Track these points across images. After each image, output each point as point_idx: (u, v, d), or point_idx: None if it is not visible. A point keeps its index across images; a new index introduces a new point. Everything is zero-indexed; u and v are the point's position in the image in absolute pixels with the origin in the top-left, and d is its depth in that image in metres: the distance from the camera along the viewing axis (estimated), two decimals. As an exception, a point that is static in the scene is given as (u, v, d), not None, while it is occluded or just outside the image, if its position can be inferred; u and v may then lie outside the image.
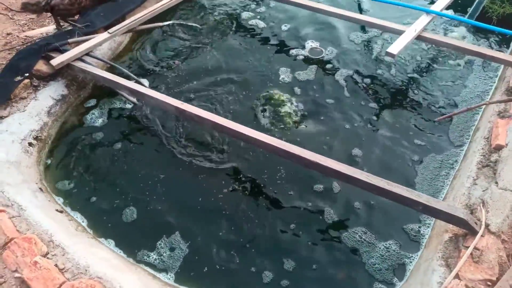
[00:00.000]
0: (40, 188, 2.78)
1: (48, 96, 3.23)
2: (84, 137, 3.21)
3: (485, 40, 4.06)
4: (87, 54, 3.38)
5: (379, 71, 3.73)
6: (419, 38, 3.45)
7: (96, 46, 3.44)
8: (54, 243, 2.30)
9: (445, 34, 4.11)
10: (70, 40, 3.38)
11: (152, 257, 2.51)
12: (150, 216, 2.72)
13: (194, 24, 4.22)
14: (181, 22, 4.21)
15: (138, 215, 2.72)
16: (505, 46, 4.02)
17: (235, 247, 2.55)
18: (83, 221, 2.69)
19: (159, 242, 2.57)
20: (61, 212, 2.69)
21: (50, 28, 4.59)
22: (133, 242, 2.59)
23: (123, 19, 3.80)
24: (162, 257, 2.51)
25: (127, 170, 2.98)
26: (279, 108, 3.37)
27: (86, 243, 2.47)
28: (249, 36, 4.16)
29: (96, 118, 3.34)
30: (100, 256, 2.34)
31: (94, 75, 3.24)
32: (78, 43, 3.41)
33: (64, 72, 3.37)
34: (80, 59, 3.32)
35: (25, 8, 3.48)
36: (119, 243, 2.59)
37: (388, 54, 3.26)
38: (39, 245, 2.22)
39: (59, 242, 2.31)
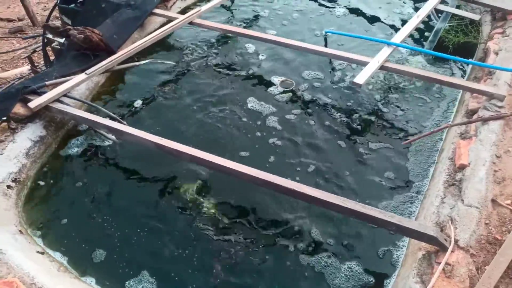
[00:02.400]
0: (20, 231, 2.76)
1: (26, 138, 3.26)
2: (64, 177, 3.23)
3: (444, 67, 4.35)
4: (65, 95, 3.44)
5: (345, 100, 3.93)
6: (382, 68, 3.69)
7: (74, 87, 3.51)
8: (36, 286, 2.29)
9: (406, 63, 4.39)
10: (47, 83, 3.45)
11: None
12: (128, 255, 2.73)
13: (169, 62, 4.36)
14: (157, 61, 4.34)
15: (115, 254, 2.73)
16: (463, 71, 4.32)
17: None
18: (64, 261, 2.68)
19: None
20: (42, 253, 2.67)
21: (24, 69, 4.68)
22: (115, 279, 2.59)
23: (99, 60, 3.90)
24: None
25: (108, 208, 3.01)
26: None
27: (69, 283, 2.45)
28: (221, 70, 4.33)
29: (75, 157, 3.37)
30: (83, 296, 2.34)
31: (72, 116, 3.29)
32: (56, 84, 3.47)
33: (42, 113, 3.41)
34: (58, 100, 3.37)
35: (45, 28, 4.03)
36: (100, 281, 2.58)
37: (354, 84, 3.46)
38: (21, 288, 2.21)
39: (41, 284, 2.30)
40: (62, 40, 4.05)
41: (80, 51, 3.87)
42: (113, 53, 3.91)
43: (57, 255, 2.72)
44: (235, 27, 4.52)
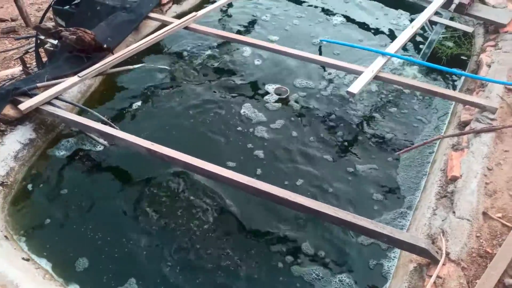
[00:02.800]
0: (6, 236, 2.71)
1: (15, 140, 3.21)
2: (52, 181, 3.17)
3: (437, 78, 4.38)
4: (56, 98, 3.40)
5: (340, 110, 3.93)
6: (376, 78, 3.70)
7: (66, 89, 3.47)
8: (20, 293, 2.24)
9: (400, 74, 4.41)
10: (39, 85, 3.40)
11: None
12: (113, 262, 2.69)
13: (163, 67, 4.34)
14: (151, 65, 4.32)
15: (102, 261, 2.68)
16: (456, 82, 4.34)
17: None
18: (50, 269, 2.62)
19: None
20: (27, 260, 2.61)
21: (16, 70, 4.61)
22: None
23: (92, 63, 3.87)
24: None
25: (96, 215, 2.96)
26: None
27: (55, 291, 2.41)
28: (216, 76, 4.31)
29: (65, 161, 3.32)
30: (69, 304, 2.29)
31: (63, 119, 3.25)
32: (47, 87, 3.43)
33: (32, 115, 3.36)
34: (49, 102, 3.33)
35: (37, 29, 3.94)
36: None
37: (348, 93, 3.47)
38: (4, 295, 2.16)
39: (26, 292, 2.25)
40: (55, 42, 4.01)
41: (73, 53, 3.83)
42: (108, 50, 3.88)
43: (43, 262, 2.66)
44: (230, 33, 4.51)
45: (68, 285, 2.54)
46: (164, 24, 4.53)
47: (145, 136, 3.09)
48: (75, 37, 3.69)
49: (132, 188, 3.15)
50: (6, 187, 2.99)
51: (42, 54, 4.24)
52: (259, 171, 3.28)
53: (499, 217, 2.48)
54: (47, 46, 4.07)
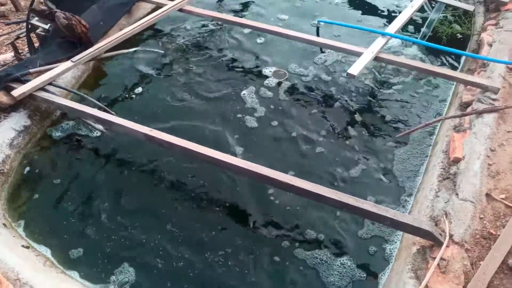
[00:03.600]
0: (4, 224, 2.67)
1: (10, 127, 3.14)
2: (49, 168, 3.12)
3: (438, 58, 4.32)
4: (50, 84, 3.32)
5: (339, 91, 3.87)
6: (376, 59, 3.64)
7: (59, 75, 3.39)
8: (21, 281, 2.22)
9: (400, 55, 4.34)
10: (31, 70, 3.31)
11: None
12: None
13: (158, 50, 4.25)
14: (145, 49, 4.22)
15: (100, 247, 2.66)
16: (457, 62, 4.29)
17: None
18: (51, 256, 2.60)
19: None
20: (27, 247, 2.58)
21: (7, 56, 4.49)
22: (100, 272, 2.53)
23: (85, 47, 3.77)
24: None
25: (95, 200, 2.92)
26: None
27: (56, 278, 2.38)
28: (212, 60, 4.22)
29: (62, 147, 3.26)
30: (71, 292, 2.27)
31: (58, 105, 3.18)
32: (40, 72, 3.34)
33: (26, 102, 3.29)
34: (43, 88, 3.25)
35: (31, 11, 3.79)
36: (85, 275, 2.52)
37: (348, 75, 3.41)
38: (4, 284, 2.13)
39: (26, 280, 2.23)
40: (46, 26, 3.90)
41: (66, 38, 3.72)
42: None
43: (43, 249, 2.63)
44: (225, 14, 4.42)
45: (68, 271, 2.51)
46: (158, 6, 4.42)
47: (142, 121, 3.02)
48: (66, 22, 3.57)
49: (130, 174, 3.10)
50: (2, 175, 2.94)
51: (34, 40, 4.13)
52: (258, 155, 3.24)
53: (503, 198, 2.47)
54: (38, 31, 3.96)
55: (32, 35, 4.11)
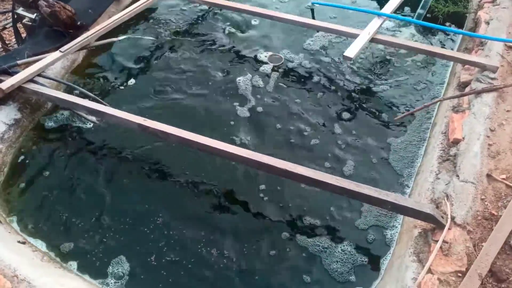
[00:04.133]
0: (-1, 220, 2.62)
1: (0, 121, 3.06)
2: (42, 161, 3.06)
3: (434, 37, 4.25)
4: (39, 75, 3.23)
5: (336, 75, 3.81)
6: (373, 40, 3.57)
7: (48, 66, 3.29)
8: (18, 278, 2.17)
9: (397, 35, 4.27)
10: (19, 62, 3.22)
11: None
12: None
13: (149, 37, 4.15)
14: (136, 36, 4.12)
15: (98, 241, 2.63)
16: (453, 41, 4.22)
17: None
18: (48, 250, 2.56)
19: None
20: (23, 243, 2.54)
21: (-6, 47, 4.38)
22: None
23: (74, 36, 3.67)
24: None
25: (91, 193, 2.87)
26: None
27: (54, 274, 2.35)
28: (205, 46, 4.13)
29: (55, 140, 3.20)
30: (70, 287, 2.23)
31: (48, 97, 3.10)
32: (28, 64, 3.25)
33: (16, 95, 3.20)
34: (32, 80, 3.16)
35: (16, 1, 3.78)
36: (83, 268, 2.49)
37: (345, 57, 3.35)
38: (1, 281, 2.09)
39: (24, 276, 2.19)
40: (33, 16, 3.78)
41: (54, 27, 3.61)
42: (84, 28, 3.68)
43: (40, 244, 2.59)
44: (218, -2, 4.30)
45: (67, 265, 2.48)
46: (147, -9, 4.29)
47: (135, 111, 2.96)
48: (49, 10, 3.46)
49: (124, 165, 3.05)
50: (-6, 171, 2.88)
51: (21, 30, 4.02)
52: (259, 141, 3.20)
53: (503, 179, 2.45)
54: (25, 21, 3.85)
55: (19, 25, 4.00)
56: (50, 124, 3.30)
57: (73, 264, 2.50)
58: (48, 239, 2.63)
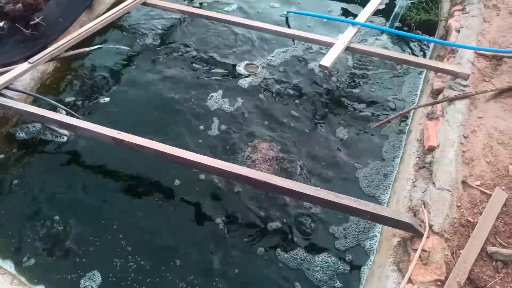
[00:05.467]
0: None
1: (-35, 137, 2.93)
2: (9, 177, 2.94)
3: (406, 46, 4.33)
4: (7, 88, 3.09)
5: (311, 84, 3.82)
6: (348, 49, 3.60)
7: (16, 78, 3.16)
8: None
9: (371, 44, 4.33)
10: (-15, 74, 3.09)
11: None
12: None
13: (123, 47, 4.06)
14: (110, 46, 4.03)
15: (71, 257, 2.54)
16: (426, 49, 4.31)
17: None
18: (17, 273, 2.44)
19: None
20: (-10, 266, 2.42)
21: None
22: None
23: (44, 47, 3.56)
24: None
25: (66, 210, 2.77)
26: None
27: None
28: (179, 56, 4.08)
29: (24, 156, 3.07)
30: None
31: (16, 110, 2.97)
32: (-5, 76, 3.12)
33: (-19, 108, 3.06)
34: (-1, 93, 3.04)
35: None
36: None
37: (321, 66, 3.35)
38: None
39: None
40: (1, 24, 3.65)
41: (22, 32, 3.48)
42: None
43: (8, 266, 2.47)
44: (192, 8, 4.26)
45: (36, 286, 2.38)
46: (120, 0, 4.21)
47: (110, 125, 2.87)
48: (21, 5, 3.34)
49: (99, 179, 2.96)
50: (-41, 190, 2.74)
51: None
52: (237, 150, 3.17)
53: (478, 185, 2.49)
54: (-9, 29, 3.71)
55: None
56: (21, 135, 3.18)
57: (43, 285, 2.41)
58: (17, 259, 2.51)
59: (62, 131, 3.17)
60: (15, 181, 2.92)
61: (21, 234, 2.64)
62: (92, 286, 2.40)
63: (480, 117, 2.94)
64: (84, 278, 2.43)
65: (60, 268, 2.49)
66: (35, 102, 3.36)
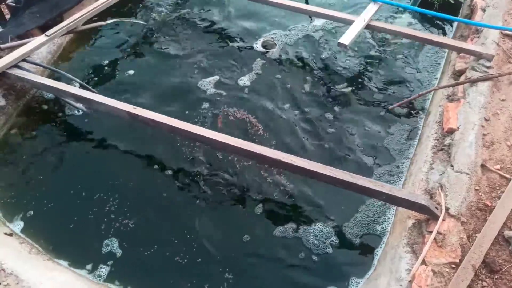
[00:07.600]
0: (-16, 211, 2.55)
1: (-17, 109, 2.96)
2: (29, 150, 2.97)
3: (429, 25, 4.20)
4: (24, 60, 3.11)
5: (331, 62, 3.75)
6: (368, 27, 3.50)
7: (33, 50, 3.17)
8: (5, 272, 2.12)
9: (392, 22, 4.20)
10: (2, 46, 3.10)
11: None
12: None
13: (139, 21, 4.02)
14: (125, 20, 3.99)
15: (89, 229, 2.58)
16: (449, 29, 4.18)
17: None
18: (36, 243, 2.50)
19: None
20: (10, 235, 2.48)
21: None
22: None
23: (61, 18, 3.55)
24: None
25: (81, 183, 2.80)
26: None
27: (43, 267, 2.29)
28: (196, 30, 4.03)
29: (42, 128, 3.10)
30: (60, 280, 2.19)
31: (33, 83, 2.99)
32: (12, 48, 3.13)
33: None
34: (16, 65, 3.04)
35: None
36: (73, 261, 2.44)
37: (340, 45, 3.28)
38: (-13, 275, 2.04)
39: (11, 270, 2.14)
40: (18, -4, 3.63)
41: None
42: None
43: (27, 236, 2.53)
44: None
45: (56, 258, 2.43)
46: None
47: (125, 99, 2.88)
48: None
49: (115, 155, 2.98)
50: (-21, 160, 2.79)
51: (5, 11, 3.86)
52: (254, 128, 3.15)
53: (498, 169, 2.43)
54: (9, 2, 3.69)
55: (3, 6, 3.84)
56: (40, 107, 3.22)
57: (63, 257, 2.45)
58: (34, 230, 2.56)
59: (78, 105, 3.18)
60: (33, 157, 2.96)
61: (32, 203, 2.68)
62: (110, 257, 2.45)
63: (503, 100, 2.85)
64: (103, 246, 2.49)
65: (76, 238, 2.54)
66: (51, 75, 3.36)
